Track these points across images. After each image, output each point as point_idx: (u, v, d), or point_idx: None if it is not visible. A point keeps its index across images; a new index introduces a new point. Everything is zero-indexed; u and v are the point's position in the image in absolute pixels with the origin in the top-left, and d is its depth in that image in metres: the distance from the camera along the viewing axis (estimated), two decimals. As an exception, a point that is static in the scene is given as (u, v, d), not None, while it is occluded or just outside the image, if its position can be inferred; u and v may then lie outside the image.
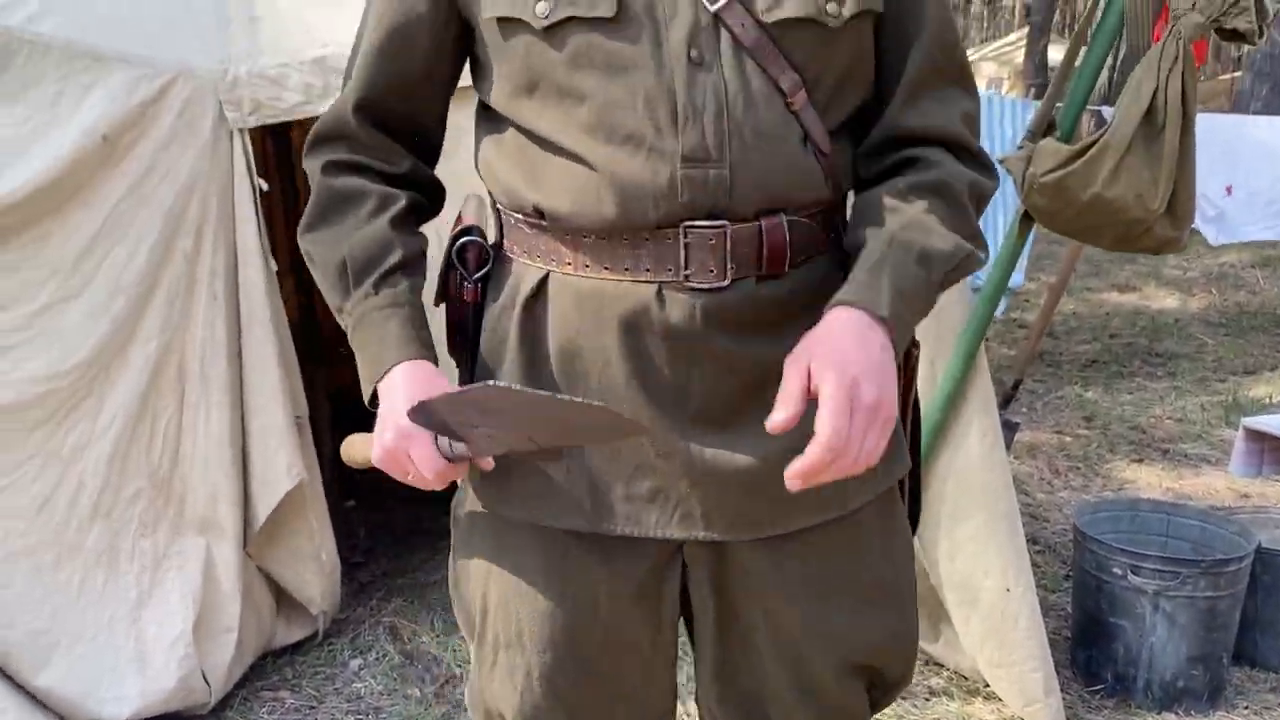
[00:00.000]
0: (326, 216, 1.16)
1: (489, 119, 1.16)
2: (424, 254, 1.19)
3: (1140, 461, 4.10)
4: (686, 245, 1.06)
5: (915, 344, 1.20)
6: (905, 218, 1.07)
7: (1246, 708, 2.51)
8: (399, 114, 1.18)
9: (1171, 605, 2.43)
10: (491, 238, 1.20)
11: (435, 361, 1.14)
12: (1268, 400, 4.81)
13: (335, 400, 3.55)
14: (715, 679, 1.22)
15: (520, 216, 1.14)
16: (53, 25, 2.09)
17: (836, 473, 0.97)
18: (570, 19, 1.04)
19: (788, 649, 1.18)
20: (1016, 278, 4.55)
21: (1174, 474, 3.96)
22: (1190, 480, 3.89)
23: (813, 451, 0.95)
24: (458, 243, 1.18)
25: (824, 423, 0.95)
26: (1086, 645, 2.60)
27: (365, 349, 1.13)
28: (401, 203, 1.17)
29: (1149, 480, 3.88)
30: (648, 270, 1.07)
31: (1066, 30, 17.02)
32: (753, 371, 1.10)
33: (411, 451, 1.07)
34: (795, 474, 0.97)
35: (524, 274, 1.14)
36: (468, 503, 1.23)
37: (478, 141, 1.19)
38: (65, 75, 2.07)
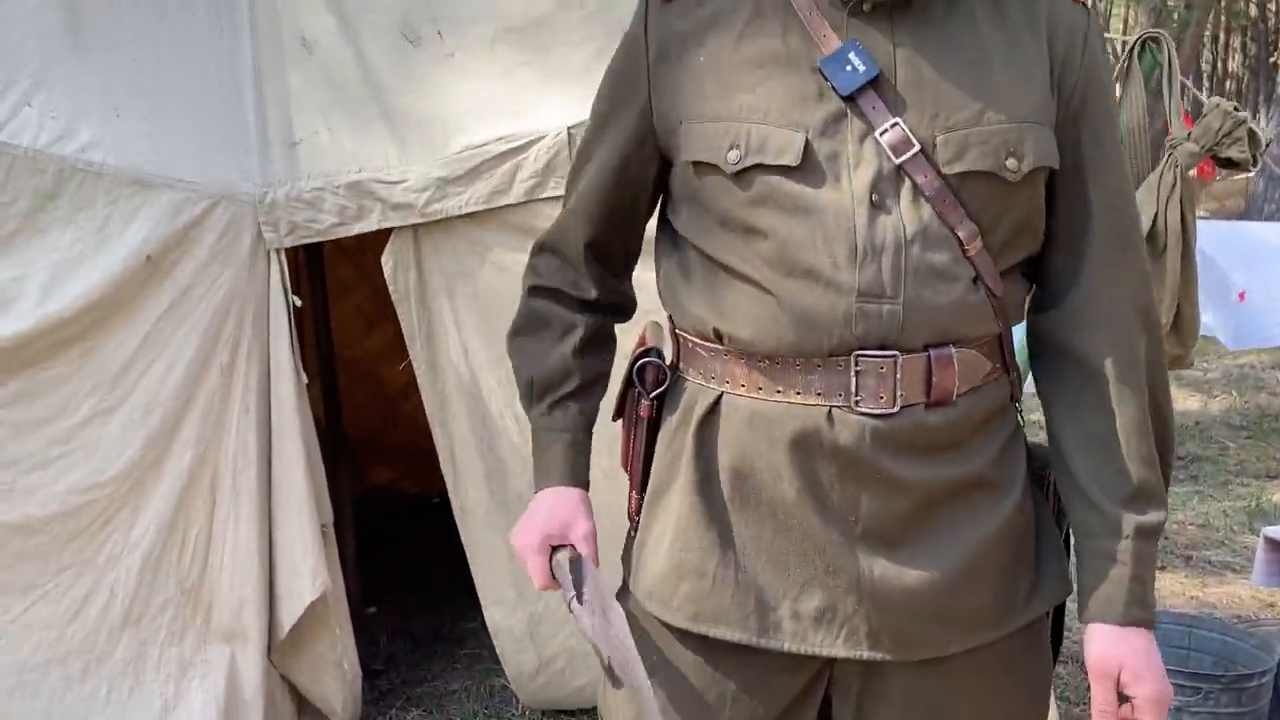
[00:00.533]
0: (524, 331, 1.35)
1: (674, 244, 1.26)
2: (602, 374, 1.35)
3: (1163, 569, 4.07)
4: (858, 372, 1.13)
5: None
6: (1142, 495, 1.16)
7: (1276, 827, 2.47)
8: (606, 237, 1.32)
9: (1195, 721, 2.42)
10: (669, 359, 1.29)
11: (586, 485, 1.31)
12: (1290, 505, 4.79)
13: (359, 504, 3.60)
14: None
15: (698, 340, 1.22)
16: (103, 154, 2.21)
17: None
18: (758, 165, 1.13)
19: None
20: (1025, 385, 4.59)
21: (1198, 582, 3.93)
22: (1214, 589, 3.86)
23: None
24: (638, 363, 1.29)
25: None
26: (1110, 761, 2.58)
27: (535, 459, 1.33)
28: (580, 331, 1.32)
29: (1172, 589, 3.85)
30: (819, 394, 1.14)
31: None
32: (920, 494, 1.15)
33: (528, 562, 1.26)
34: None
35: (699, 394, 1.23)
36: (629, 610, 1.28)
37: (659, 265, 1.29)
38: (114, 200, 2.18)
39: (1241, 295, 4.45)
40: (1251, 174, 10.10)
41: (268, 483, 2.46)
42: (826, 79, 1.12)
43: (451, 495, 2.73)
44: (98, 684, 2.24)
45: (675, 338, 1.28)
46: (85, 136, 2.20)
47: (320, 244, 3.32)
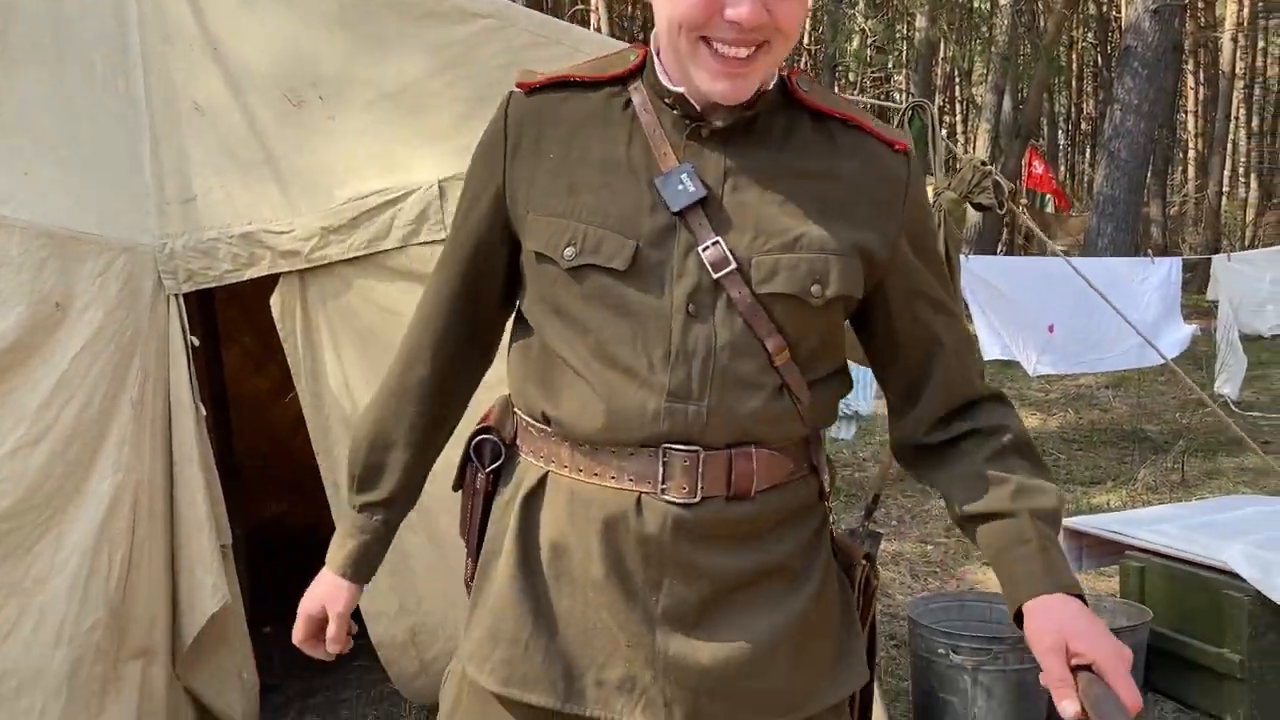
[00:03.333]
0: (370, 431, 1.40)
1: (522, 328, 1.33)
2: (418, 487, 1.43)
3: (990, 564, 4.55)
4: (665, 464, 1.20)
5: (876, 574, 1.37)
6: (1025, 488, 1.23)
7: (1062, 768, 2.89)
8: (467, 311, 1.37)
9: (988, 678, 2.83)
10: (508, 436, 1.36)
11: (366, 578, 1.43)
12: (1106, 505, 5.34)
13: (251, 534, 3.81)
14: None
15: (530, 420, 1.29)
16: (14, 209, 2.43)
17: None
18: (591, 265, 1.20)
19: None
20: (865, 406, 5.04)
21: (1018, 574, 4.41)
22: (1032, 579, 4.34)
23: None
24: (476, 439, 1.36)
25: (1127, 691, 1.07)
26: (924, 720, 2.98)
27: (335, 537, 1.44)
28: (410, 454, 1.38)
29: (991, 577, 4.32)
30: (630, 480, 1.21)
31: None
32: (719, 579, 1.22)
33: (297, 622, 1.43)
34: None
35: (528, 471, 1.29)
36: (456, 671, 1.37)
37: (510, 344, 1.36)
38: (26, 251, 2.40)
39: (1051, 328, 4.97)
40: (1096, 196, 10.93)
41: (171, 507, 2.70)
42: (660, 194, 1.20)
43: (335, 520, 2.99)
44: (31, 702, 2.38)
45: (514, 416, 1.34)
46: (1, 190, 2.42)
47: (212, 291, 3.58)
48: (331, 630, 1.42)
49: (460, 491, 1.41)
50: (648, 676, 1.22)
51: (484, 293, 1.36)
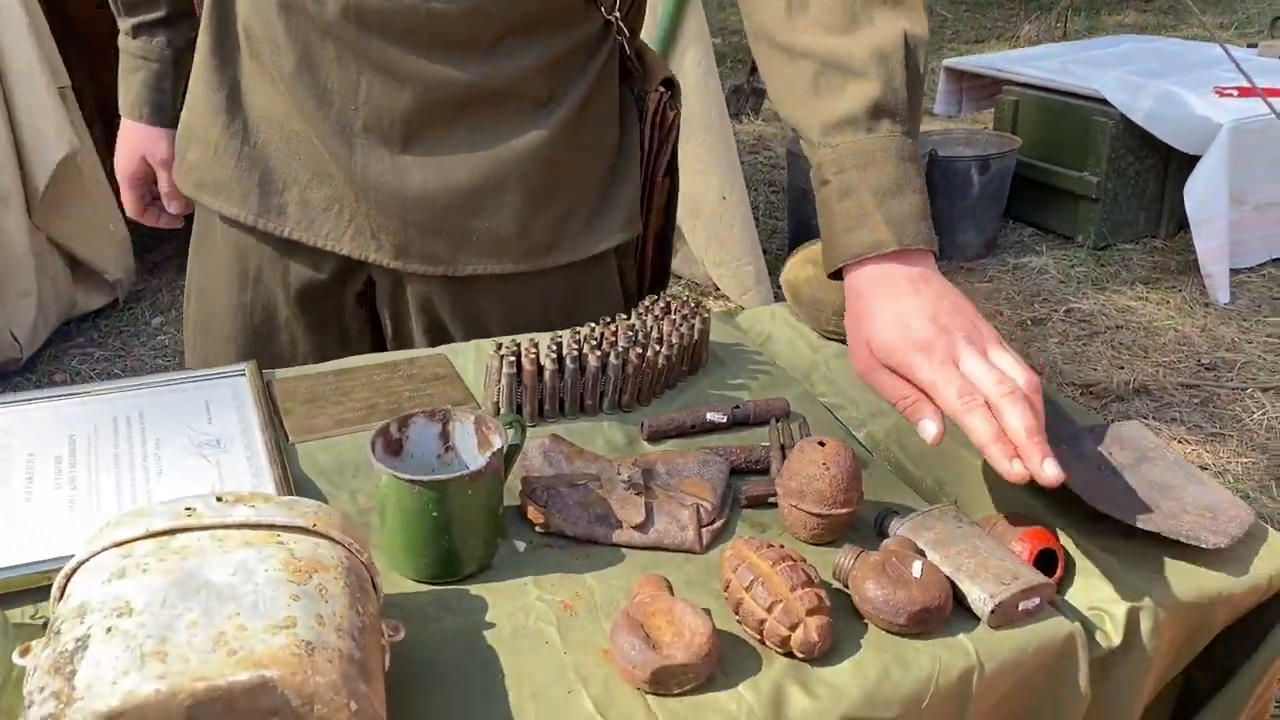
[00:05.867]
0: None
1: None
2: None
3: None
4: None
5: (674, 107, 1.12)
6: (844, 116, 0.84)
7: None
8: None
9: (860, 203, 2.91)
10: None
11: (171, 116, 1.17)
12: (987, 60, 5.36)
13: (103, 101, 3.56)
14: None
15: None
16: None
17: (1037, 419, 0.72)
18: None
19: None
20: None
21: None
22: (910, 127, 4.40)
23: (1004, 447, 0.71)
24: None
25: (954, 410, 0.73)
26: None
27: (120, 79, 1.20)
28: None
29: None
30: None
31: None
32: (428, 90, 0.99)
33: (123, 193, 1.23)
34: (1020, 476, 0.71)
35: None
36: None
37: None
38: None
39: None
40: None
41: (-4, 49, 2.46)
42: None
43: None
44: None
45: None
46: None
47: None
48: (164, 185, 1.20)
49: None
50: (352, 199, 1.03)
51: None
